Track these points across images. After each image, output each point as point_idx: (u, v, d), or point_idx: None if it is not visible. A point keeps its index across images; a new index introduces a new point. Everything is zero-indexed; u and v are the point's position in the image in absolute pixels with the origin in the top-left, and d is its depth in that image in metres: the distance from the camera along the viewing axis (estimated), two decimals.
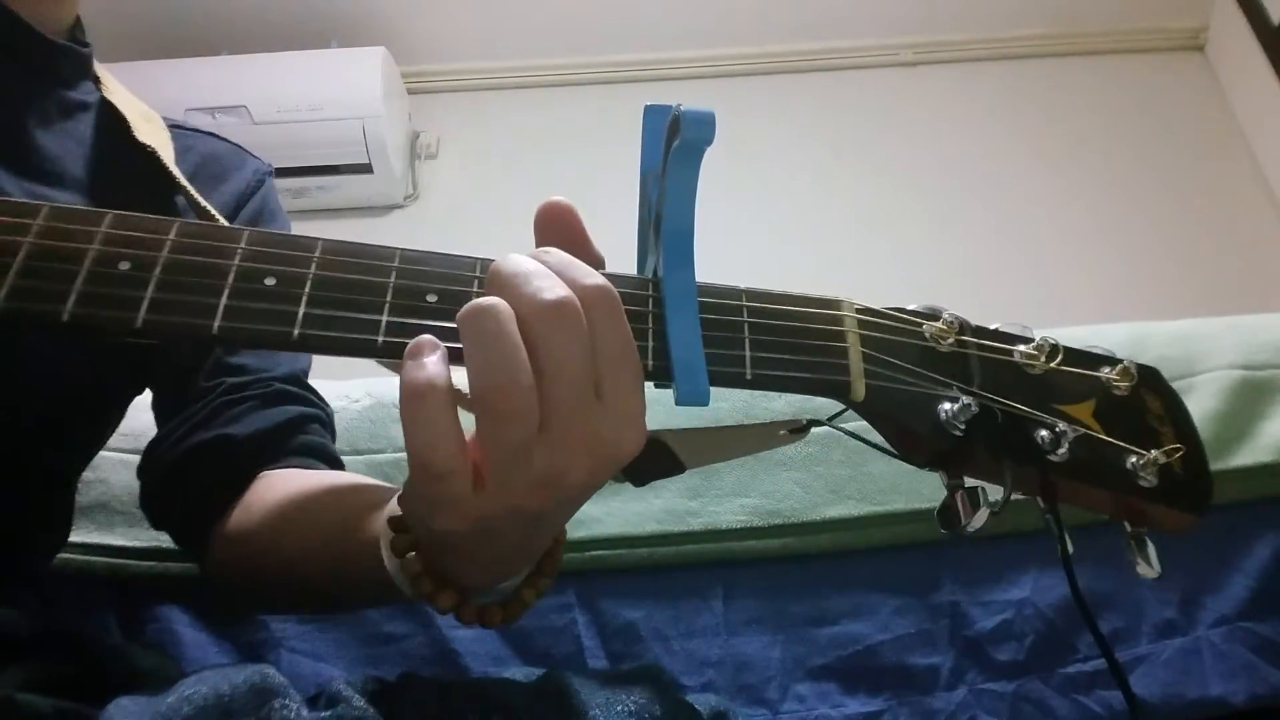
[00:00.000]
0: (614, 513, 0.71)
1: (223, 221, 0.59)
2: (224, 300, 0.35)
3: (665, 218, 0.37)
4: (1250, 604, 0.67)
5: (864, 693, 0.66)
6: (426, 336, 0.34)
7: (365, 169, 1.98)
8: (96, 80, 0.62)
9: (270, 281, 0.35)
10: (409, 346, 0.34)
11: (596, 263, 0.37)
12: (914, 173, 2.08)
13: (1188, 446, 0.42)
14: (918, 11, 2.18)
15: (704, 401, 0.36)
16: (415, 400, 0.33)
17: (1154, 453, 0.41)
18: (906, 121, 2.15)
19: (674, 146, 0.36)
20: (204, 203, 0.59)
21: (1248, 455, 0.71)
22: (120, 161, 0.59)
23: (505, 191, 2.07)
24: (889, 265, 1.94)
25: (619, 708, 0.45)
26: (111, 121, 0.61)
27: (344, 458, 0.62)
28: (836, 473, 0.72)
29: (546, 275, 0.34)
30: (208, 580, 0.59)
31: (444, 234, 2.04)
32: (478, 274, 0.37)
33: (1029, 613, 0.67)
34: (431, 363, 0.33)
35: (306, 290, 0.35)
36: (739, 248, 1.91)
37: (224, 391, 0.59)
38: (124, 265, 0.35)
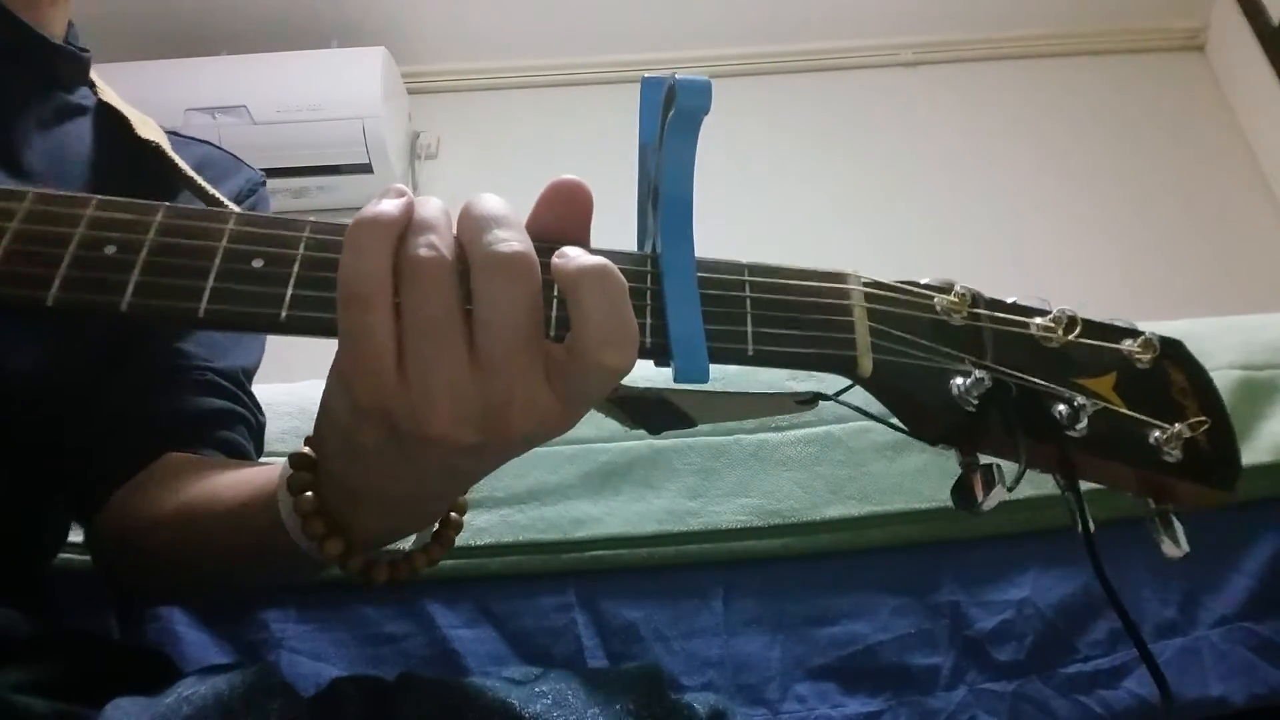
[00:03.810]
0: (614, 513, 0.71)
1: (232, 207, 0.59)
2: (210, 283, 0.34)
3: (663, 190, 0.37)
4: (1250, 604, 0.67)
5: (864, 693, 0.66)
6: (397, 185, 0.35)
7: (365, 169, 1.98)
8: (92, 85, 0.62)
9: (258, 263, 0.35)
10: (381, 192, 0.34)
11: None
12: (914, 173, 2.08)
13: (1213, 420, 0.40)
14: (918, 11, 2.18)
15: (704, 379, 0.35)
16: (358, 227, 0.33)
17: (1178, 426, 0.39)
18: (906, 121, 2.15)
19: (670, 117, 0.36)
20: (213, 191, 0.58)
21: (1248, 455, 0.71)
22: (121, 162, 0.59)
23: (505, 191, 2.03)
24: (888, 265, 1.93)
25: (618, 706, 0.45)
26: (110, 122, 0.60)
27: None
28: (836, 473, 0.72)
29: (518, 228, 0.34)
30: (93, 552, 0.58)
31: None
32: None
33: (1029, 613, 0.67)
34: (389, 202, 0.33)
35: (295, 271, 0.35)
36: (737, 248, 1.90)
37: (157, 372, 0.58)
38: (109, 249, 0.34)
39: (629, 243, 0.42)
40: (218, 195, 0.58)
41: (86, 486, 0.56)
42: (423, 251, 0.32)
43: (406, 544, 0.45)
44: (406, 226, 0.33)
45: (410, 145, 2.13)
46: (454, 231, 0.34)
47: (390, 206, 0.33)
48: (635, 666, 0.51)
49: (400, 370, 0.33)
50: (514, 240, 0.33)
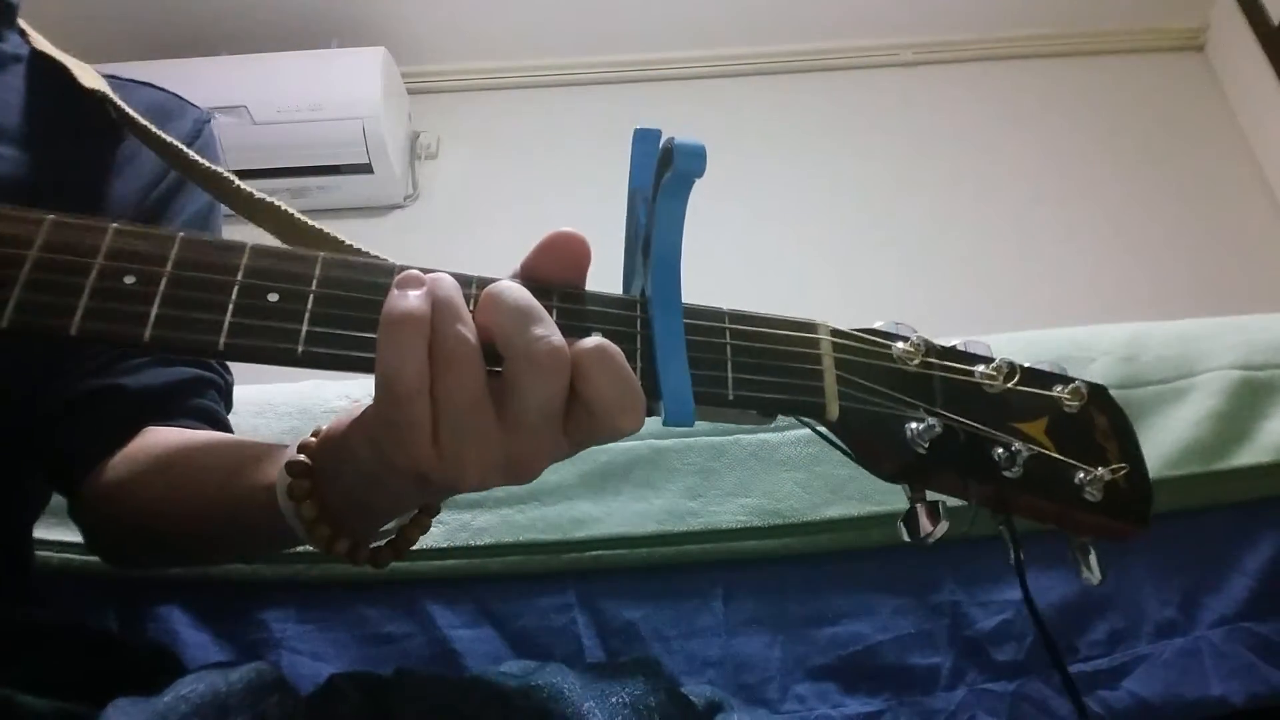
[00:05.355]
0: (614, 513, 0.71)
1: (185, 151, 0.58)
2: (229, 317, 0.35)
3: (654, 247, 0.39)
4: (1250, 604, 0.67)
5: (864, 693, 0.66)
6: (414, 271, 0.36)
7: (365, 169, 1.98)
8: (23, 32, 0.61)
9: (273, 298, 0.36)
10: (398, 277, 0.36)
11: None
12: (914, 173, 2.07)
13: (1131, 464, 0.46)
14: (918, 11, 2.18)
15: (690, 424, 0.38)
16: (392, 326, 0.34)
17: (1100, 470, 0.44)
18: (906, 121, 2.15)
19: (665, 179, 0.37)
20: (161, 134, 0.57)
21: (1248, 455, 0.71)
22: (62, 110, 0.58)
23: (505, 191, 2.07)
24: (889, 265, 1.94)
25: (614, 700, 0.45)
26: (48, 71, 0.59)
27: None
28: (836, 473, 0.72)
29: (550, 322, 0.36)
30: (78, 523, 0.58)
31: (444, 234, 2.04)
32: (474, 290, 0.38)
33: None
34: (415, 295, 0.35)
35: (309, 307, 0.36)
36: (738, 248, 1.91)
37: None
38: (129, 280, 0.35)
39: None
40: (166, 138, 0.57)
41: (64, 465, 0.57)
42: (453, 345, 0.35)
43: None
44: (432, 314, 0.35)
45: (410, 145, 2.13)
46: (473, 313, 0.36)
47: (418, 303, 0.35)
48: (631, 659, 0.51)
49: (435, 441, 0.35)
50: (552, 337, 0.35)
